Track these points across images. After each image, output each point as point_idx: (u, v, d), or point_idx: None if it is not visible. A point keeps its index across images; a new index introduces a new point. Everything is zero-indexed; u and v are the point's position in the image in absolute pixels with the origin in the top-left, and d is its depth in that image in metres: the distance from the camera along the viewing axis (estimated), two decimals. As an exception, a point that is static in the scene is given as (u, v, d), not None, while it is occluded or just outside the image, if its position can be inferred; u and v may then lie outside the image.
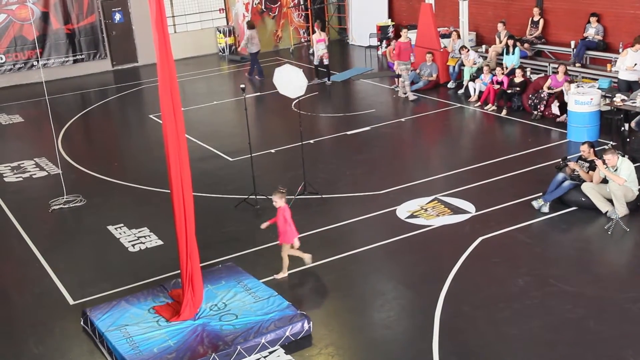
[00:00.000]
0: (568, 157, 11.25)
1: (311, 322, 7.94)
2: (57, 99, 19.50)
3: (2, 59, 21.71)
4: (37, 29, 21.55)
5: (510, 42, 17.14)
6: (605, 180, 10.43)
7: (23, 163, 14.50)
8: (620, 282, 8.73)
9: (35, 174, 13.84)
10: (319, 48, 19.12)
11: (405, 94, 17.34)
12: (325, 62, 19.21)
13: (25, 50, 21.91)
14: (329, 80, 19.32)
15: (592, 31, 16.81)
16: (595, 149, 11.03)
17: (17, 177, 13.74)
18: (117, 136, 16.78)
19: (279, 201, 9.11)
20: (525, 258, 9.37)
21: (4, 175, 13.91)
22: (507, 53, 17.16)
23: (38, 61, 21.72)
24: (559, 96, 14.65)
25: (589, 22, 16.90)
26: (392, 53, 19.97)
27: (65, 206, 12.07)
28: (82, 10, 22.39)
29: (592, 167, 10.66)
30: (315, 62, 19.42)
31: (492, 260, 9.35)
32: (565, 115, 14.29)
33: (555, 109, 14.51)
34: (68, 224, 11.55)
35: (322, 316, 8.29)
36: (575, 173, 10.81)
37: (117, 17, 23.19)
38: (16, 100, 19.99)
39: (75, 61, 22.64)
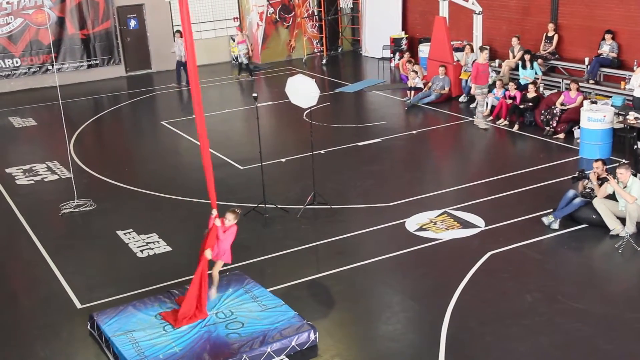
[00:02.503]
0: (586, 171, 11.12)
1: (317, 333, 7.92)
2: (70, 104, 19.61)
3: (17, 62, 21.87)
4: (53, 34, 21.70)
5: (527, 56, 17.15)
6: (611, 196, 10.38)
7: (35, 166, 14.57)
8: (630, 301, 8.66)
9: (46, 178, 13.90)
10: (241, 48, 21.84)
11: (485, 125, 15.78)
12: (245, 61, 21.96)
13: (41, 54, 22.07)
14: (238, 75, 22.26)
15: (607, 48, 16.77)
16: (607, 166, 10.97)
17: (28, 180, 13.81)
18: (129, 142, 16.86)
19: (232, 220, 8.51)
20: (535, 274, 9.32)
21: (16, 177, 13.98)
22: (524, 67, 17.16)
23: (53, 65, 21.88)
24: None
25: (603, 39, 16.86)
26: (405, 66, 20.04)
27: (76, 210, 12.11)
28: (98, 16, 22.54)
29: (603, 182, 10.59)
30: (245, 61, 21.99)
31: (500, 276, 9.30)
32: (563, 134, 14.53)
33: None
34: (78, 228, 11.58)
35: (328, 327, 8.27)
36: (587, 190, 10.76)
37: (132, 23, 23.34)
38: (30, 103, 20.12)
39: (89, 66, 22.78)
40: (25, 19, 21.66)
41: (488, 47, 17.05)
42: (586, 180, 10.80)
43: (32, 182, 13.74)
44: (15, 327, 8.68)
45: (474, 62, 16.37)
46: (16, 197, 12.92)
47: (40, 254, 10.60)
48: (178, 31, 21.46)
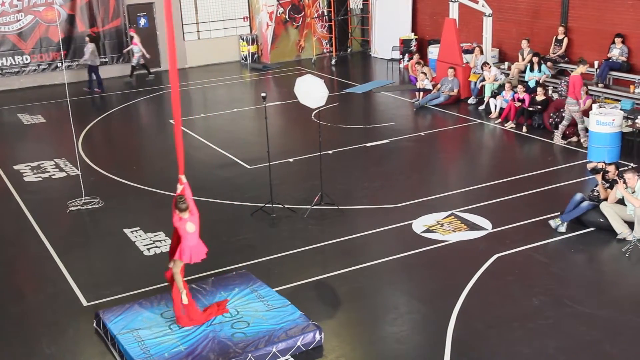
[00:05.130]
0: (607, 163, 10.98)
1: (323, 333, 7.92)
2: (79, 101, 19.67)
3: (27, 59, 21.96)
4: (63, 31, 21.77)
5: (536, 59, 17.10)
6: (620, 200, 10.35)
7: (43, 163, 14.62)
8: (637, 305, 8.61)
9: (54, 175, 13.95)
10: (135, 50, 22.00)
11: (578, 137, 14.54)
12: (135, 61, 22.07)
13: (50, 51, 22.14)
14: (149, 74, 22.52)
15: (617, 52, 16.71)
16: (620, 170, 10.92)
17: (36, 177, 13.86)
18: (137, 140, 16.89)
19: (179, 213, 7.69)
20: (541, 277, 9.29)
21: (24, 174, 14.04)
22: (532, 70, 17.11)
23: (62, 63, 21.94)
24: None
25: (613, 42, 16.80)
26: (414, 67, 20.01)
27: (83, 208, 12.15)
28: (108, 14, 22.61)
29: (612, 186, 10.56)
30: (134, 63, 22.11)
31: (507, 279, 9.28)
32: (576, 137, 14.45)
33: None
34: (85, 226, 11.62)
35: (334, 327, 8.27)
36: (595, 194, 10.72)
37: (142, 21, 23.39)
38: (39, 100, 20.19)
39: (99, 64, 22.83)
40: (36, 16, 21.74)
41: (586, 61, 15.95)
42: (600, 175, 10.63)
43: (40, 179, 13.79)
44: (21, 324, 8.70)
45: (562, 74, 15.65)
46: (24, 194, 12.97)
47: (47, 251, 10.64)
48: (89, 35, 21.53)
